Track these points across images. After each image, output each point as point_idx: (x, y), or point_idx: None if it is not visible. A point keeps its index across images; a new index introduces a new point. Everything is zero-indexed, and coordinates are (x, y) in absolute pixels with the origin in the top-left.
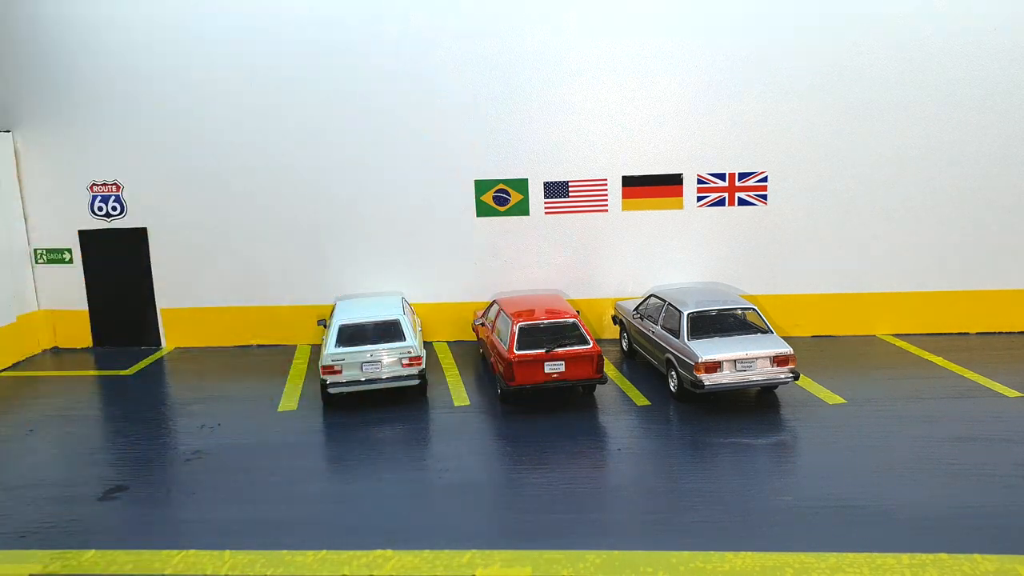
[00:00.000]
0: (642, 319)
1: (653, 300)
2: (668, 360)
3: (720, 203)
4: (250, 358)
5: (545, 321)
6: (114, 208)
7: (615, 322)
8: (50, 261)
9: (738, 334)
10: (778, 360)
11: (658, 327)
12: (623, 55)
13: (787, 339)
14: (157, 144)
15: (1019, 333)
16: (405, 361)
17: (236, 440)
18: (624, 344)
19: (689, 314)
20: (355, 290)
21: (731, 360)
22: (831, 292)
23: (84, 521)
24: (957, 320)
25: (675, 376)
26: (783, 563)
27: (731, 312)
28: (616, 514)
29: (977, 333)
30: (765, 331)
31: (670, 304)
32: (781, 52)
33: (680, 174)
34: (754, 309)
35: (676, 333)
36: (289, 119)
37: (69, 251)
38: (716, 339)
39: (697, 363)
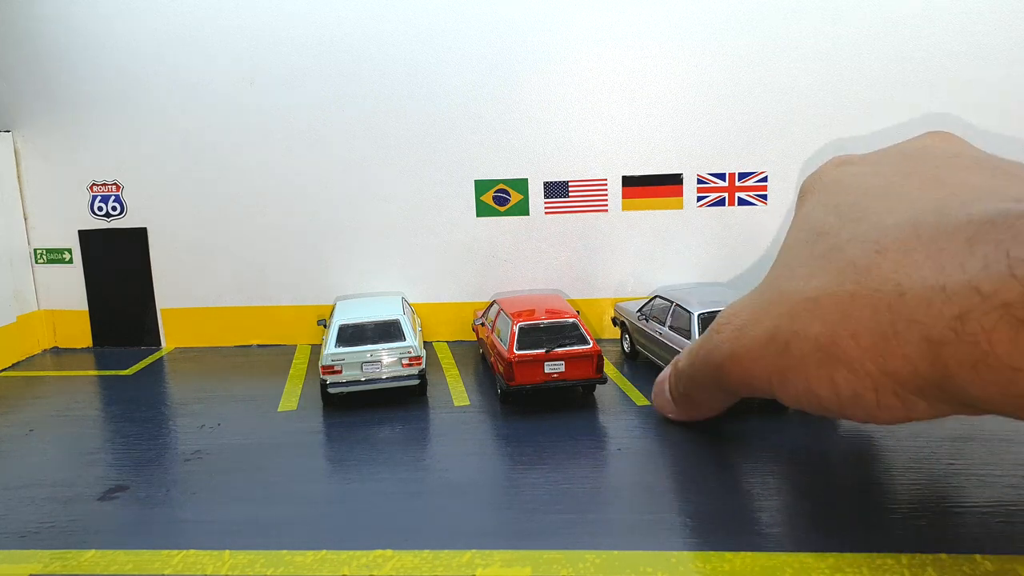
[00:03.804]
0: (647, 320)
1: (659, 301)
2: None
3: (720, 203)
4: (250, 358)
5: (545, 321)
6: (114, 208)
7: (615, 324)
8: (50, 261)
9: None
10: None
11: (665, 328)
12: (623, 55)
13: None
14: (157, 144)
15: None
16: (405, 361)
17: (236, 440)
18: (625, 345)
19: (699, 315)
20: (355, 290)
21: None
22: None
23: (84, 521)
24: None
25: None
26: (783, 563)
27: None
28: (616, 514)
29: None
30: None
31: (678, 305)
32: (781, 52)
33: (680, 174)
34: None
35: (685, 333)
36: (289, 119)
37: (69, 251)
38: None
39: None
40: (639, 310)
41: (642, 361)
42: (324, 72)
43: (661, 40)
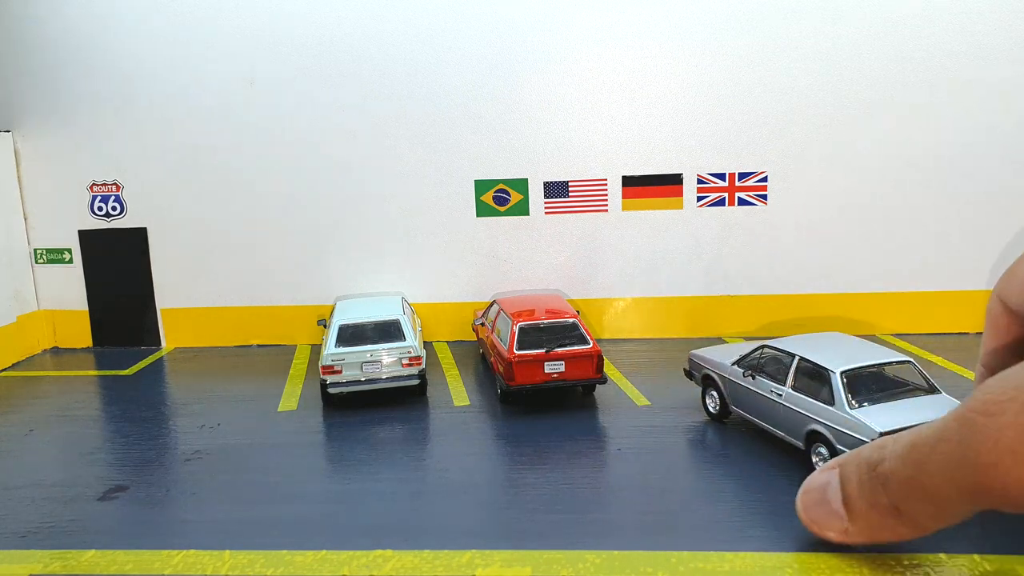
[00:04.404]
0: (752, 376)
1: (769, 352)
2: (814, 433)
3: (720, 203)
4: (250, 358)
5: (545, 321)
6: (114, 208)
7: (690, 376)
8: (50, 261)
9: (902, 396)
10: None
11: (786, 388)
12: (623, 55)
13: None
14: (157, 144)
15: None
16: (405, 361)
17: (236, 440)
18: (711, 404)
19: (843, 373)
20: (355, 290)
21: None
22: (831, 292)
23: (84, 521)
24: (957, 320)
25: (825, 455)
26: (783, 563)
27: (885, 367)
28: (616, 514)
29: (977, 333)
30: (928, 388)
31: (805, 360)
32: (781, 52)
33: (680, 174)
34: (910, 362)
35: (822, 396)
36: (289, 119)
37: (69, 251)
38: (885, 405)
39: (875, 438)
40: (738, 362)
41: (733, 421)
42: (324, 72)
43: (661, 40)
